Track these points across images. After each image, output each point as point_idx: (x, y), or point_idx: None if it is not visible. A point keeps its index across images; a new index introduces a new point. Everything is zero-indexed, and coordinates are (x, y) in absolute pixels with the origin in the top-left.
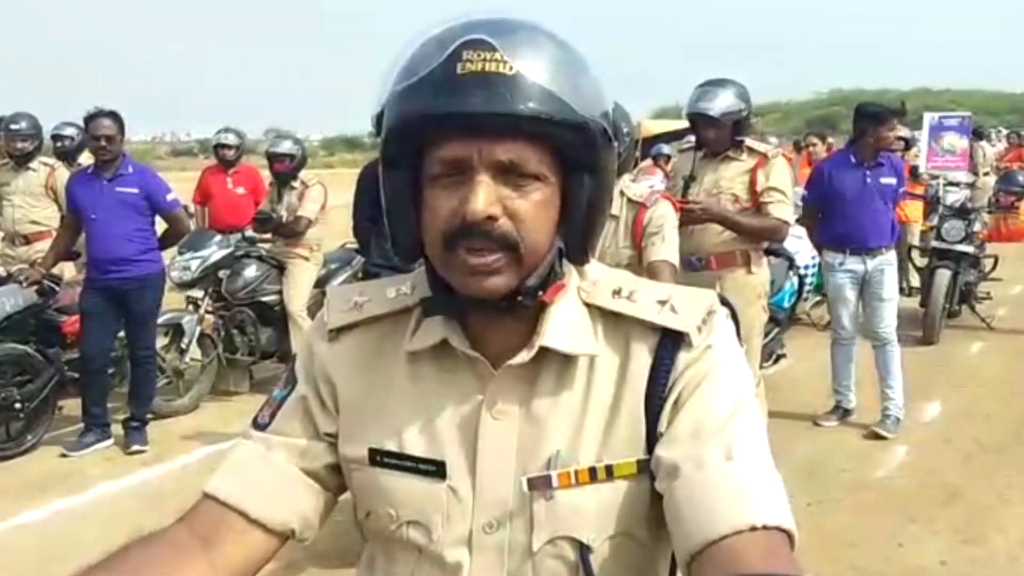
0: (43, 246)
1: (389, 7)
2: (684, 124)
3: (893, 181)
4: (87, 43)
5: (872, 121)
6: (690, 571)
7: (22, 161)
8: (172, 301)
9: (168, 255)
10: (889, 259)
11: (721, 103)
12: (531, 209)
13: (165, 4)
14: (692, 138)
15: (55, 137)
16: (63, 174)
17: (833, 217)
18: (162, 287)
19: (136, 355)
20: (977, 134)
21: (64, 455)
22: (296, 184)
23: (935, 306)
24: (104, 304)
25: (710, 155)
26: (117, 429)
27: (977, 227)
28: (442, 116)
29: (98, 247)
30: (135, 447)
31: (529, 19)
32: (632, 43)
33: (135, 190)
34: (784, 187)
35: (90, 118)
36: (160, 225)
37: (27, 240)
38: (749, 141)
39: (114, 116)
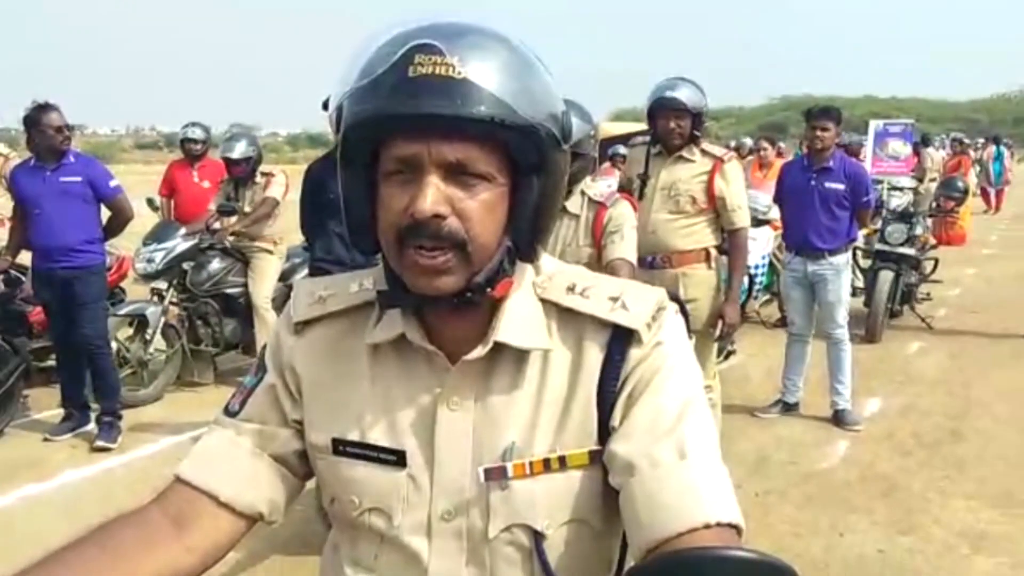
0: None
1: (356, 5)
2: (641, 126)
3: (840, 186)
4: (51, 36)
5: (806, 120)
6: None
7: None
8: (137, 292)
9: (132, 246)
10: (833, 263)
11: (685, 93)
12: (479, 208)
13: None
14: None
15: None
16: (14, 165)
17: (785, 217)
18: (106, 277)
19: (90, 346)
20: (925, 141)
21: (47, 439)
22: (258, 179)
23: (878, 306)
24: (57, 292)
25: (664, 153)
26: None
27: (919, 231)
28: (394, 116)
29: (43, 236)
30: (100, 443)
31: (482, 23)
32: (589, 45)
33: (78, 178)
34: (741, 193)
35: (40, 112)
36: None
37: None
38: (704, 143)
39: (56, 108)
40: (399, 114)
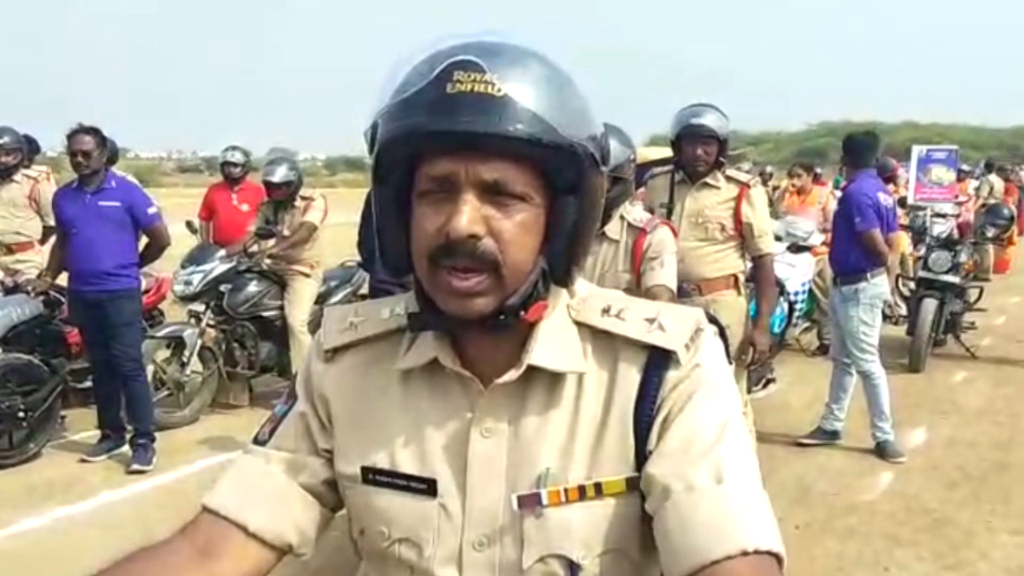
0: (25, 256)
1: (392, 32)
2: None
3: (839, 209)
4: (98, 63)
5: None
6: None
7: (5, 174)
8: (175, 314)
9: (171, 268)
10: (843, 292)
11: (712, 120)
12: (514, 229)
13: (172, 24)
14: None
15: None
16: (46, 187)
17: None
18: (139, 300)
19: (123, 369)
20: (988, 167)
21: (84, 460)
22: (297, 203)
23: (921, 335)
24: (91, 315)
25: (688, 181)
26: None
27: (963, 258)
28: (431, 133)
29: (79, 259)
30: (136, 466)
31: (522, 42)
32: (626, 71)
33: (117, 203)
34: (767, 218)
35: (71, 134)
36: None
37: (10, 250)
38: (728, 170)
39: (94, 132)
40: (436, 131)
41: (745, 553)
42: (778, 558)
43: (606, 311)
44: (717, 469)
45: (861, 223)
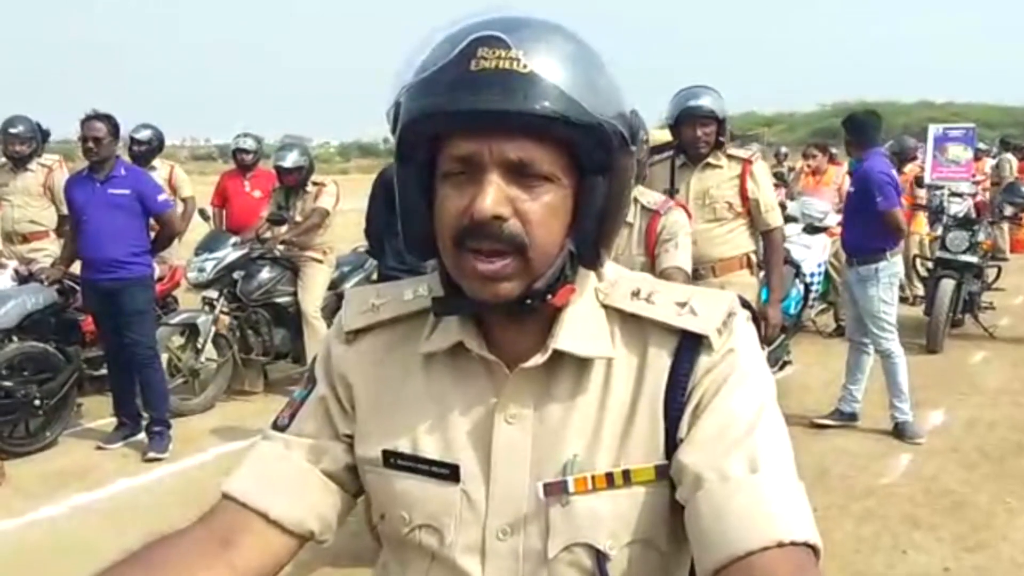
0: (40, 245)
1: (408, 13)
2: None
3: (852, 190)
4: (110, 50)
5: None
6: None
7: (20, 163)
8: (189, 301)
9: (185, 255)
10: (860, 272)
11: (709, 100)
12: (541, 210)
13: (186, 11)
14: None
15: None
16: (59, 175)
17: None
18: (153, 287)
19: (137, 356)
20: (1004, 145)
21: (100, 448)
22: (309, 188)
23: (939, 315)
24: (104, 303)
25: (690, 164)
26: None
27: (981, 237)
28: (454, 112)
29: (90, 247)
30: (152, 454)
31: (547, 18)
32: (637, 46)
33: (127, 191)
34: (772, 192)
35: (84, 120)
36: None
37: (25, 239)
38: (728, 148)
39: (107, 119)
40: (459, 110)
41: (780, 544)
42: (815, 549)
43: (635, 294)
44: (752, 458)
45: (883, 202)
